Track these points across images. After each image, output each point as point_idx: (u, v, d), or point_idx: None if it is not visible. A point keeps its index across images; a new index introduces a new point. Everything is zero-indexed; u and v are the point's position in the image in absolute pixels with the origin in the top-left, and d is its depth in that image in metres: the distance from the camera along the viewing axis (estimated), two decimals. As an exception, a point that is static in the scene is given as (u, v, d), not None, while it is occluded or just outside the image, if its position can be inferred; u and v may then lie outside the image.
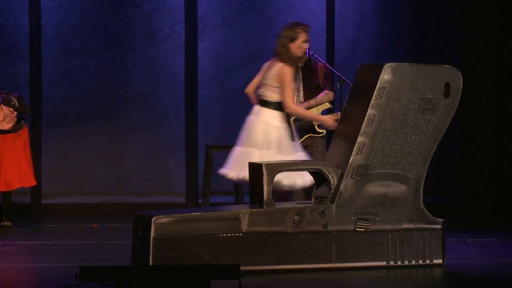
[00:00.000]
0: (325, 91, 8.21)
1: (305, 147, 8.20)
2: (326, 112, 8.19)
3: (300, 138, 8.18)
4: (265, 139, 7.09)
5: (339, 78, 8.12)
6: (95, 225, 9.19)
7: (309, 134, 8.20)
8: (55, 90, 10.48)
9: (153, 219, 6.10)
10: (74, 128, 10.51)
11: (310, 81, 8.22)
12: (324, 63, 8.27)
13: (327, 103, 8.19)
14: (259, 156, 6.98)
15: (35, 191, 10.28)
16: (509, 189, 10.29)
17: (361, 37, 10.65)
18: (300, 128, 8.18)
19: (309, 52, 8.18)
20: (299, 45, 7.21)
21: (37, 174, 9.67)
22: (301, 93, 8.24)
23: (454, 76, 6.61)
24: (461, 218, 9.54)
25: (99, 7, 10.51)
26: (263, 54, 10.58)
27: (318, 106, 8.22)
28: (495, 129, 10.39)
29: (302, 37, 7.21)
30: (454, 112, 6.60)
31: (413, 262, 6.47)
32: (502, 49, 10.35)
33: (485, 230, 8.63)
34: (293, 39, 7.19)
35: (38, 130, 10.38)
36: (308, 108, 8.20)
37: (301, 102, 8.21)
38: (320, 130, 8.14)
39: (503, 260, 6.89)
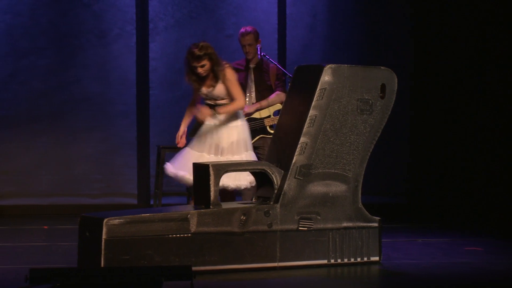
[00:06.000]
0: (277, 92, 8.24)
1: (257, 148, 8.22)
2: (277, 113, 8.22)
3: (252, 139, 8.20)
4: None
5: (290, 79, 8.14)
6: (45, 227, 9.11)
7: (261, 135, 8.22)
8: (3, 91, 10.37)
9: (105, 220, 6.06)
10: (23, 129, 10.40)
11: (261, 82, 8.24)
12: (275, 64, 8.30)
13: (278, 104, 8.21)
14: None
15: (-16, 193, 10.18)
16: (456, 189, 10.42)
17: (313, 38, 10.70)
18: (252, 129, 8.20)
19: (260, 53, 8.21)
20: None
21: (-14, 176, 9.58)
22: (253, 94, 8.26)
23: (389, 78, 6.70)
24: (410, 218, 9.63)
25: (49, 7, 10.42)
26: (215, 55, 10.59)
27: (270, 107, 8.25)
28: (444, 130, 10.51)
29: None
30: (389, 112, 6.70)
31: (352, 260, 6.58)
32: (452, 51, 10.48)
33: (434, 230, 8.73)
34: None
35: (-14, 131, 10.28)
36: (260, 109, 8.22)
37: (252, 103, 8.23)
38: (272, 131, 8.16)
39: (452, 259, 6.98)
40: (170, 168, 7.48)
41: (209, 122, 7.43)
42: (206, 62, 7.31)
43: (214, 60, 7.32)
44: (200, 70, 7.33)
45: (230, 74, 7.36)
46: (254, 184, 7.08)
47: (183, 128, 7.66)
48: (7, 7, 10.35)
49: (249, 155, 7.37)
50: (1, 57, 10.36)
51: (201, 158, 7.30)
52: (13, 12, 10.37)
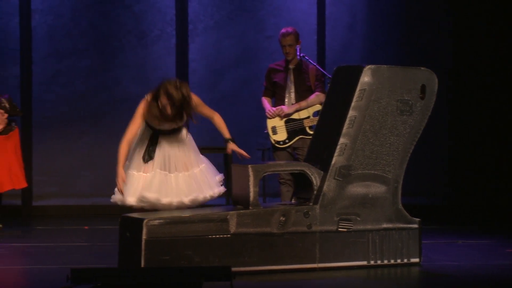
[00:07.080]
0: (316, 93, 8.23)
1: (296, 148, 8.22)
2: (317, 113, 8.21)
3: (291, 140, 8.20)
4: None
5: (330, 80, 8.13)
6: (86, 227, 9.17)
7: (300, 136, 8.22)
8: (45, 92, 10.47)
9: (145, 221, 6.10)
10: (64, 130, 10.49)
11: (301, 83, 8.24)
12: (315, 65, 8.29)
13: (318, 105, 8.20)
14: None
15: (26, 193, 10.27)
16: (496, 191, 10.33)
17: (352, 39, 10.67)
18: (291, 130, 8.20)
19: (300, 54, 8.20)
20: None
21: (28, 176, 9.66)
22: (292, 95, 8.26)
23: (429, 78, 6.67)
24: (450, 220, 9.58)
25: (89, 9, 10.50)
26: (254, 56, 10.62)
27: (309, 108, 8.24)
28: (484, 131, 10.43)
29: None
30: (429, 113, 6.67)
31: (392, 261, 6.56)
32: (491, 50, 10.40)
33: (474, 232, 8.67)
34: None
35: (28, 132, 10.37)
36: (299, 110, 8.22)
37: (292, 104, 8.23)
38: (311, 132, 8.15)
39: (493, 261, 6.93)
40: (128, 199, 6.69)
41: (172, 146, 6.84)
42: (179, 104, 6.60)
43: (188, 103, 6.62)
44: (167, 108, 6.64)
45: (197, 100, 6.78)
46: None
47: (122, 171, 6.72)
48: (49, 9, 10.45)
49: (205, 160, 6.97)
50: (43, 58, 10.46)
51: (167, 177, 6.74)
52: (54, 13, 10.47)
